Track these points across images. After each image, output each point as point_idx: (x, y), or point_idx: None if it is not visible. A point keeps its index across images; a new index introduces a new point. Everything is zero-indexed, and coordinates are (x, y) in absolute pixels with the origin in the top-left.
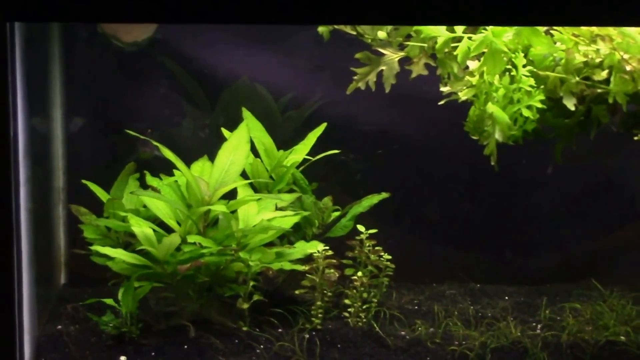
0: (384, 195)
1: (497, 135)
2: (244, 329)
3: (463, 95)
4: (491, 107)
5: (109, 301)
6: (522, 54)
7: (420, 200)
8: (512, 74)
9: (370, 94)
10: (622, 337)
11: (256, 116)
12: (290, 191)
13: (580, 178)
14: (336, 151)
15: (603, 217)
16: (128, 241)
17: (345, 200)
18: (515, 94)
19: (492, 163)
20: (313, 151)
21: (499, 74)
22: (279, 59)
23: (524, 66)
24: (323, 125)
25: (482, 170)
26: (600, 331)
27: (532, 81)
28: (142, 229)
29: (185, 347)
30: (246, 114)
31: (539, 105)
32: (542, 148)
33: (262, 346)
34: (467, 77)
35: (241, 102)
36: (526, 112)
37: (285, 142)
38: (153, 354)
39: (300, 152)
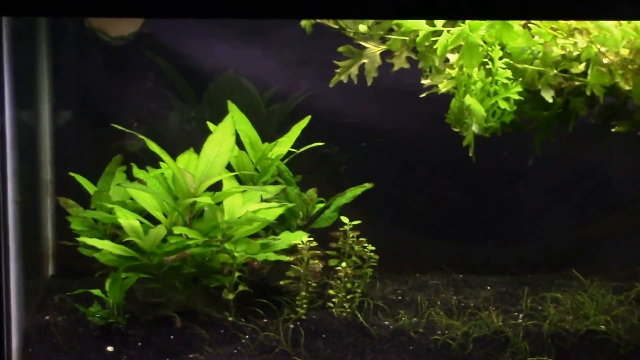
0: (367, 186)
1: (474, 127)
2: (230, 319)
3: (442, 88)
4: (468, 100)
5: (96, 292)
6: (500, 47)
7: (404, 192)
8: (487, 67)
9: (355, 87)
10: (603, 327)
11: (241, 109)
12: (275, 183)
13: (560, 169)
14: (320, 144)
15: (583, 207)
16: (115, 233)
17: (329, 192)
18: (492, 86)
19: (470, 154)
20: (298, 144)
21: (477, 66)
22: (263, 52)
23: (501, 59)
24: (307, 118)
25: (465, 162)
26: (581, 320)
27: (509, 73)
28: (128, 220)
29: (172, 337)
30: (231, 107)
31: (516, 97)
32: (523, 140)
33: (247, 336)
34: (447, 70)
35: (226, 95)
36: (503, 104)
37: (270, 134)
38: (140, 344)
39: (284, 144)
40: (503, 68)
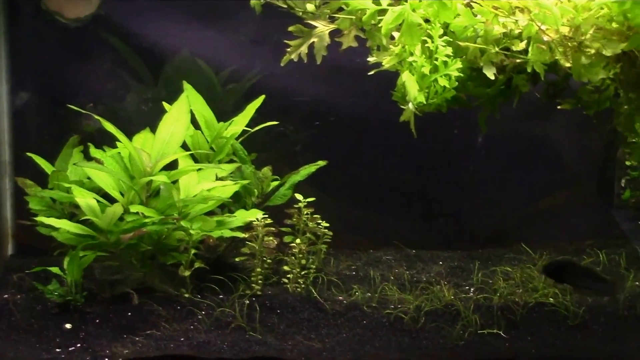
0: (321, 163)
1: (409, 104)
2: (186, 295)
3: (385, 65)
4: (404, 76)
5: (55, 270)
6: (444, 26)
7: (358, 169)
8: (427, 45)
9: (309, 67)
10: (551, 299)
11: (197, 89)
12: (230, 162)
13: (510, 146)
14: (275, 122)
15: (533, 183)
16: (73, 212)
17: (285, 170)
18: (432, 64)
19: (412, 128)
20: (254, 123)
21: (419, 44)
22: (218, 33)
23: (442, 36)
24: (261, 98)
25: (418, 140)
26: (530, 293)
27: (449, 51)
28: (86, 199)
29: (129, 314)
30: (186, 86)
31: (456, 74)
32: (474, 117)
33: (203, 312)
34: (391, 47)
35: (183, 76)
36: (443, 81)
37: (226, 114)
38: (97, 321)
39: (239, 123)
40: (443, 46)
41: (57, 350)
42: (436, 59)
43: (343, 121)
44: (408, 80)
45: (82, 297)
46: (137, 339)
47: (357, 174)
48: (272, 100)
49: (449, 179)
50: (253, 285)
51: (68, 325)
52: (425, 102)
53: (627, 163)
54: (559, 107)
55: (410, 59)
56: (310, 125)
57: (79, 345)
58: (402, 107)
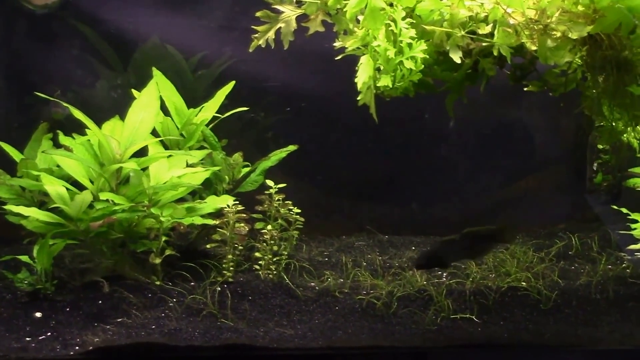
0: (291, 148)
1: (360, 85)
2: (157, 283)
3: (349, 48)
4: (362, 59)
5: (24, 258)
6: (405, 9)
7: (330, 155)
8: (390, 28)
9: (280, 52)
10: (524, 283)
11: (168, 76)
12: (201, 148)
13: (483, 130)
14: (245, 108)
15: (506, 168)
16: (42, 200)
17: (255, 156)
18: (397, 46)
19: (371, 112)
20: (225, 109)
21: (382, 28)
22: (188, 19)
23: (405, 19)
24: (231, 84)
25: (389, 125)
26: (503, 278)
27: (412, 32)
28: (55, 187)
29: (100, 302)
30: (156, 73)
31: (421, 55)
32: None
33: (174, 299)
34: (356, 31)
35: (152, 62)
36: (408, 64)
37: (197, 100)
38: (68, 309)
39: (209, 109)
40: (407, 28)
41: (27, 339)
42: (400, 42)
43: (314, 107)
44: (365, 64)
45: (52, 286)
46: (107, 327)
47: (329, 160)
48: (243, 86)
49: (422, 164)
50: (224, 272)
51: (38, 314)
52: (391, 86)
53: (599, 147)
54: (525, 89)
55: (374, 43)
56: (281, 111)
57: (49, 334)
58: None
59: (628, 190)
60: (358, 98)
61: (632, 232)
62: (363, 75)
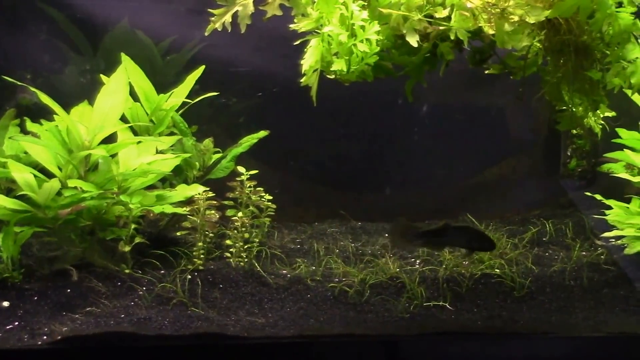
0: (262, 134)
1: (305, 67)
2: (126, 271)
3: (301, 30)
4: (312, 42)
5: None
6: None
7: (302, 141)
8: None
9: (251, 37)
10: (497, 270)
11: (137, 61)
12: (171, 134)
13: (456, 116)
14: (215, 93)
15: (479, 153)
16: (9, 187)
17: (227, 142)
18: (349, 29)
19: (312, 96)
20: (196, 95)
21: (336, 12)
22: (157, 4)
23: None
24: (201, 68)
25: (362, 111)
26: (476, 265)
27: (365, 15)
28: (22, 174)
29: (68, 291)
30: (124, 58)
31: (375, 37)
32: (419, 88)
33: (144, 288)
34: (310, 13)
35: (121, 47)
36: (363, 46)
37: (167, 85)
38: (36, 298)
39: (179, 95)
40: (359, 10)
41: None
42: (353, 25)
43: (286, 92)
44: (314, 47)
45: (20, 274)
46: (76, 316)
47: (302, 146)
48: (214, 71)
49: (395, 150)
50: (195, 260)
51: (5, 303)
52: (346, 71)
53: (573, 132)
54: (486, 72)
55: (326, 28)
56: (253, 96)
57: (16, 323)
58: (328, 76)
59: (602, 175)
60: (301, 80)
61: (605, 218)
62: (310, 59)
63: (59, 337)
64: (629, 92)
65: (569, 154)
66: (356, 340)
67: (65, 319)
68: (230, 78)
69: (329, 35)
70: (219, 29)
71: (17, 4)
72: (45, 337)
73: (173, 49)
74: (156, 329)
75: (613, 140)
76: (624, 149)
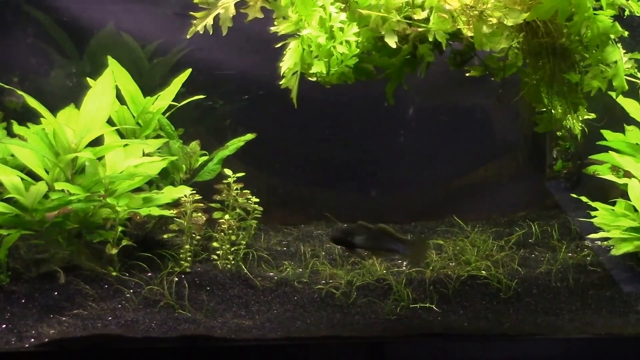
0: (249, 136)
1: (284, 69)
2: (114, 274)
3: (281, 32)
4: (291, 44)
5: None
6: None
7: (288, 143)
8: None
9: (237, 40)
10: (484, 272)
11: (123, 64)
12: (158, 137)
13: (443, 117)
14: (202, 96)
15: (465, 155)
16: None
17: (214, 145)
18: (328, 31)
19: (292, 97)
20: (182, 98)
21: (314, 15)
22: (143, 7)
23: (334, 4)
24: (188, 71)
25: (347, 112)
26: (463, 266)
27: (343, 16)
28: (9, 177)
29: (56, 293)
30: (111, 61)
31: (354, 39)
32: (404, 90)
33: (131, 290)
34: (290, 16)
35: (108, 50)
36: (341, 48)
37: (153, 88)
38: (23, 301)
39: (165, 98)
40: (337, 13)
41: None
42: (331, 27)
43: (272, 94)
44: (293, 49)
45: (7, 277)
46: (63, 318)
47: (288, 148)
48: (200, 74)
49: (381, 151)
50: (182, 262)
51: None
52: (326, 73)
53: (558, 134)
54: (467, 74)
55: (305, 31)
56: (239, 99)
57: (4, 326)
58: (309, 78)
59: (588, 177)
60: (280, 82)
61: (591, 220)
62: (289, 61)
63: (47, 340)
64: (613, 94)
65: (554, 155)
66: (343, 342)
67: (53, 321)
68: (216, 81)
69: (308, 37)
70: (201, 32)
71: (2, 6)
72: (32, 339)
73: (159, 52)
74: (143, 331)
75: (598, 142)
76: (609, 151)
